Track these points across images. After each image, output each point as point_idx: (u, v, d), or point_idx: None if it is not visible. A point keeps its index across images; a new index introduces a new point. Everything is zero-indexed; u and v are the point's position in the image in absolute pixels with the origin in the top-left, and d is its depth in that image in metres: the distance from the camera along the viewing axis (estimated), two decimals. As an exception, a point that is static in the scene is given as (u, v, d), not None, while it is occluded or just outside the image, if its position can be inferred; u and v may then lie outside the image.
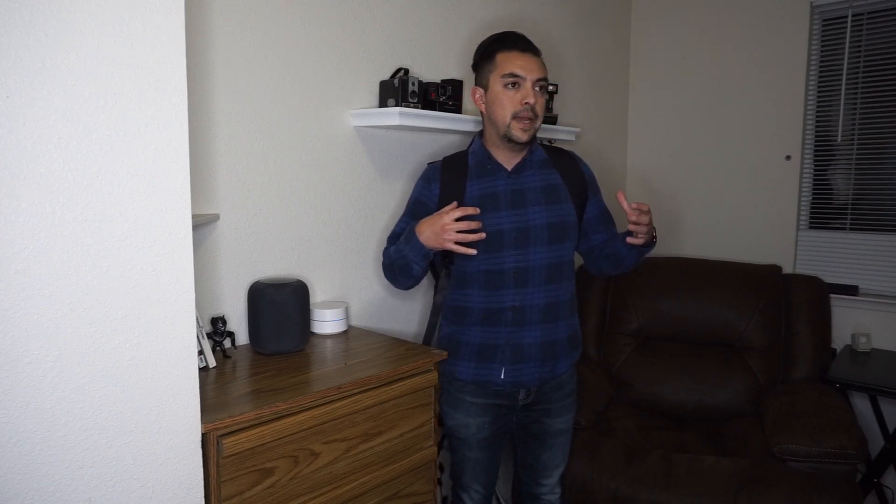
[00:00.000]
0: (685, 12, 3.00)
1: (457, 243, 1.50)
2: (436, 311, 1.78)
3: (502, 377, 1.65)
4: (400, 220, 1.73)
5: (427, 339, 1.80)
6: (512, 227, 1.61)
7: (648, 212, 1.52)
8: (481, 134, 1.71)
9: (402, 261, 1.60)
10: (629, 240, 1.58)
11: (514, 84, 1.56)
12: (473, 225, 1.51)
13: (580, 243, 1.76)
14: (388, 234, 2.05)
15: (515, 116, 1.57)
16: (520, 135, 1.58)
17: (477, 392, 1.68)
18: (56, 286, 0.96)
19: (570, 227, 1.67)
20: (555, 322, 1.66)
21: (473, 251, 1.54)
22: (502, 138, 1.61)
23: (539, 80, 1.57)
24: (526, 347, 1.64)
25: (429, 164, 1.75)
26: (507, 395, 1.69)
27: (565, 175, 1.69)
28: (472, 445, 1.72)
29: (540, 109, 1.59)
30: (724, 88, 2.91)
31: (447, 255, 1.68)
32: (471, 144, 1.73)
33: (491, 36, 1.65)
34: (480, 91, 1.64)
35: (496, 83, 1.58)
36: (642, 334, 2.58)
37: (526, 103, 1.55)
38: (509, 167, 1.66)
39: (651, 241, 1.61)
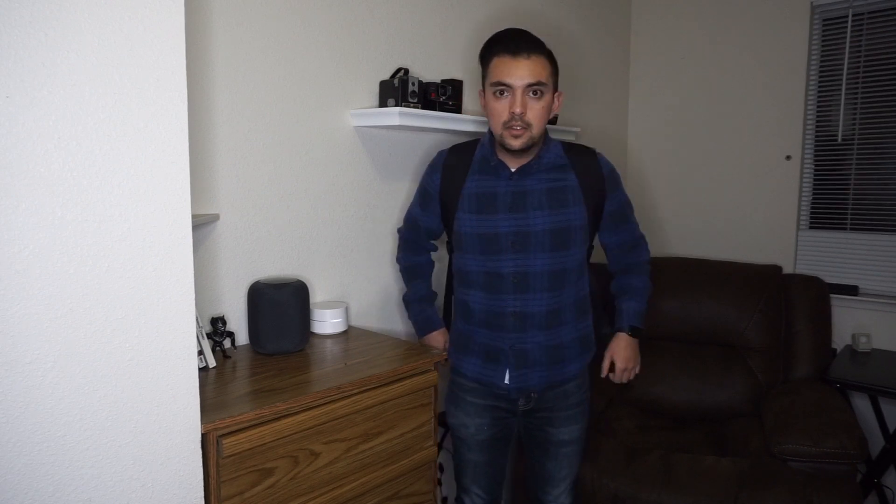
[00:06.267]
0: (685, 12, 3.00)
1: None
2: (448, 282, 1.90)
3: (507, 381, 1.62)
4: (413, 204, 1.81)
5: (447, 308, 1.92)
6: (509, 230, 1.56)
7: (624, 370, 1.79)
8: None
9: (406, 303, 1.86)
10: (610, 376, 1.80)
11: (502, 92, 1.50)
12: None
13: (602, 234, 1.73)
14: (391, 231, 2.08)
15: (506, 126, 1.50)
16: (512, 142, 1.51)
17: (478, 393, 1.67)
18: (56, 286, 0.96)
19: (576, 233, 1.59)
20: (558, 327, 1.62)
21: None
22: (499, 144, 1.57)
23: (531, 85, 1.47)
24: (530, 352, 1.61)
25: (439, 151, 1.74)
26: (507, 398, 1.67)
27: (582, 175, 1.61)
28: (471, 446, 1.71)
29: (534, 117, 1.49)
30: (724, 88, 2.91)
31: (448, 227, 1.70)
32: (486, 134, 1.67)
33: (493, 35, 1.58)
34: (482, 93, 1.60)
35: (489, 90, 1.53)
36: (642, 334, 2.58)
37: (512, 113, 1.48)
38: (513, 168, 1.59)
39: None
